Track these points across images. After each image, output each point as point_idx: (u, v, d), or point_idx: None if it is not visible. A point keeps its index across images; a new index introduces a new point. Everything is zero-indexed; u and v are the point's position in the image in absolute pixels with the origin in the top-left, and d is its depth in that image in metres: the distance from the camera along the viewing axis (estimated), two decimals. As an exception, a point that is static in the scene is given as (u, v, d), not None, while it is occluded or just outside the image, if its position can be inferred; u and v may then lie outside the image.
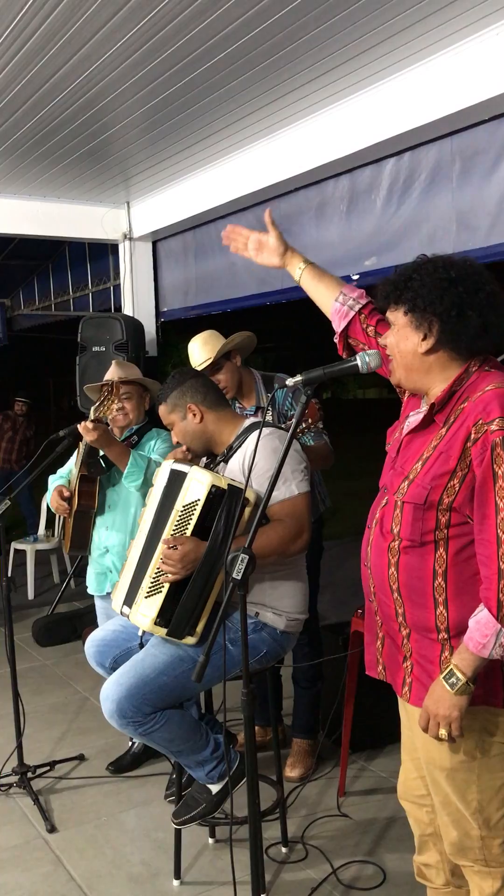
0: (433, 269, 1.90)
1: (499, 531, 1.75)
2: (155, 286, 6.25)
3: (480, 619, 1.78)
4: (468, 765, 1.93)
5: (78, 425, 3.23)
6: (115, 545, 3.48)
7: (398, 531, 1.91)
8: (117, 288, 6.57)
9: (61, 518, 3.76)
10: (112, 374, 3.55)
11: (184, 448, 2.82)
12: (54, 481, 3.59)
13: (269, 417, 3.28)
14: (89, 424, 3.18)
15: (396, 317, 1.94)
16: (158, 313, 6.25)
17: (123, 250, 6.13)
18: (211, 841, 3.06)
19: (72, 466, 3.63)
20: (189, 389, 2.76)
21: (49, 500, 3.55)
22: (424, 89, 3.65)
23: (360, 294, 2.29)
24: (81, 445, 3.51)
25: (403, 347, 1.94)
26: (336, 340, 2.33)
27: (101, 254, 6.72)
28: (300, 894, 2.72)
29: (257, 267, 5.23)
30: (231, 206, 5.14)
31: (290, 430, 2.06)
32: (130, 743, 3.71)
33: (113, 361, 3.70)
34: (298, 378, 2.02)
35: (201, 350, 3.31)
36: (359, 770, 3.52)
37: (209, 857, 2.97)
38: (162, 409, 2.80)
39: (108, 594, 3.52)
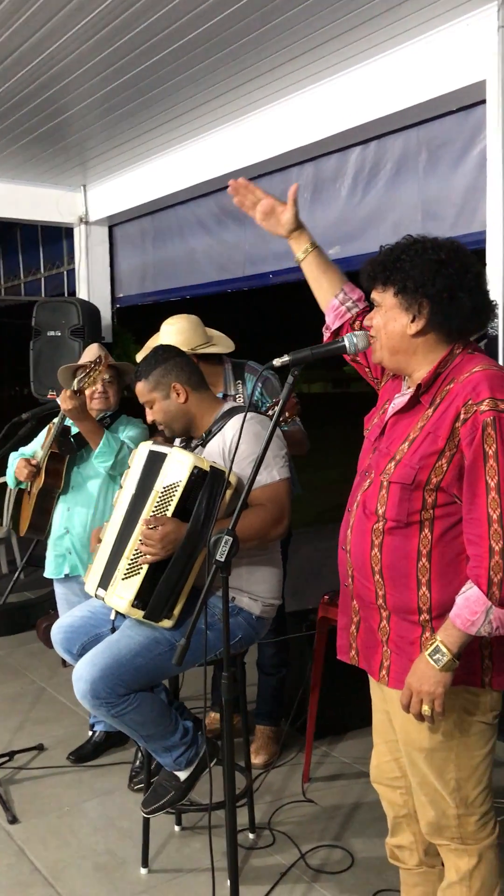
0: (423, 249, 1.89)
1: (489, 510, 1.76)
2: (111, 271, 6.16)
3: (470, 596, 1.79)
4: (447, 744, 1.95)
5: (58, 397, 3.17)
6: (76, 526, 3.42)
7: (383, 512, 1.91)
8: (71, 273, 6.47)
9: (11, 502, 3.66)
10: (97, 352, 3.46)
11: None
12: (16, 458, 3.53)
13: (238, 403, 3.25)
14: (69, 393, 3.11)
15: (384, 298, 1.93)
16: (114, 299, 6.17)
17: (79, 234, 6.04)
18: (177, 828, 3.03)
19: (37, 448, 3.55)
20: (174, 368, 2.71)
21: (10, 475, 3.49)
22: (392, 78, 3.67)
23: (359, 296, 2.27)
24: (54, 424, 3.44)
25: (391, 329, 1.93)
26: (325, 331, 2.32)
27: (55, 237, 6.59)
28: (269, 879, 2.72)
29: (218, 254, 5.25)
30: (192, 191, 5.11)
31: (275, 414, 2.04)
32: (91, 732, 3.65)
33: (95, 344, 3.60)
34: (286, 358, 2.00)
35: (178, 337, 3.23)
36: (322, 756, 3.53)
37: (176, 845, 2.95)
38: (142, 387, 2.72)
39: (67, 576, 3.46)
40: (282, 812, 3.11)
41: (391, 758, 2.15)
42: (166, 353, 2.76)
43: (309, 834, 2.97)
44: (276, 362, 2.01)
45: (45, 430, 3.60)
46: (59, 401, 3.20)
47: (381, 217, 4.07)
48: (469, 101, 3.51)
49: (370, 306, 2.25)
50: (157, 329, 3.35)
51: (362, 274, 2.00)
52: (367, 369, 2.21)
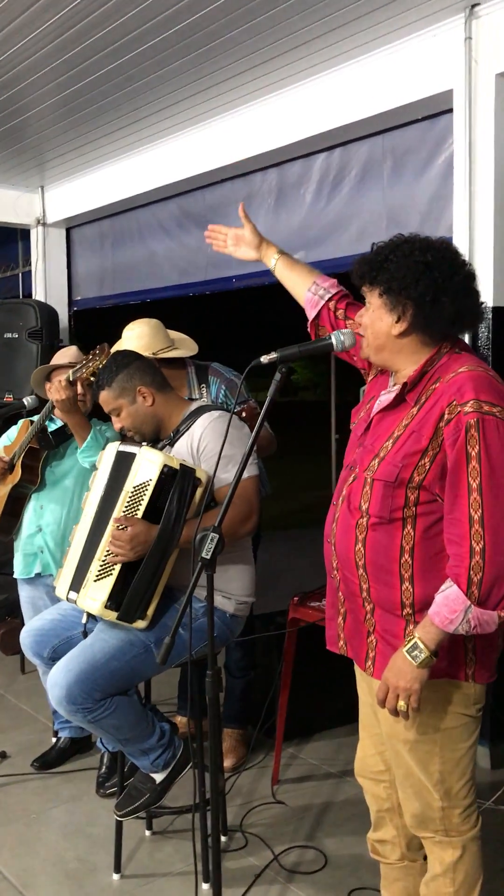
0: (410, 250, 1.90)
1: (470, 511, 1.78)
2: (68, 274, 6.10)
3: (449, 595, 1.80)
4: (431, 737, 1.97)
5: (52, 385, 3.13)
6: (49, 524, 3.36)
7: (367, 508, 1.93)
8: (26, 275, 6.38)
9: None
10: (76, 353, 3.41)
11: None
12: None
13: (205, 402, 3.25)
14: (64, 382, 3.06)
15: (371, 297, 1.96)
16: (71, 302, 6.11)
17: (36, 236, 5.97)
18: (148, 833, 3.00)
19: (6, 443, 3.48)
20: (137, 372, 2.70)
21: None
22: (359, 86, 3.72)
23: (331, 284, 2.31)
24: (30, 419, 3.41)
25: (377, 328, 1.95)
26: (308, 329, 2.35)
27: (9, 239, 6.50)
28: (244, 881, 2.71)
29: (179, 257, 5.24)
30: (153, 194, 5.09)
31: (262, 412, 2.04)
32: (55, 739, 3.60)
33: (72, 346, 3.54)
34: (273, 355, 2.00)
35: (138, 342, 3.21)
36: (289, 758, 3.53)
37: (148, 850, 2.92)
38: (106, 395, 2.69)
39: (38, 576, 3.40)
40: (253, 814, 3.11)
41: (375, 751, 2.17)
42: (126, 357, 2.74)
43: (281, 835, 2.97)
44: (264, 359, 2.01)
45: (14, 428, 3.53)
46: (49, 393, 3.18)
47: (345, 223, 4.11)
48: (435, 110, 3.58)
49: (342, 292, 2.29)
50: (115, 332, 3.34)
51: (352, 271, 2.01)
52: (355, 358, 2.23)
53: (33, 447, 3.32)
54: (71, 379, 3.11)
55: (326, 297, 2.28)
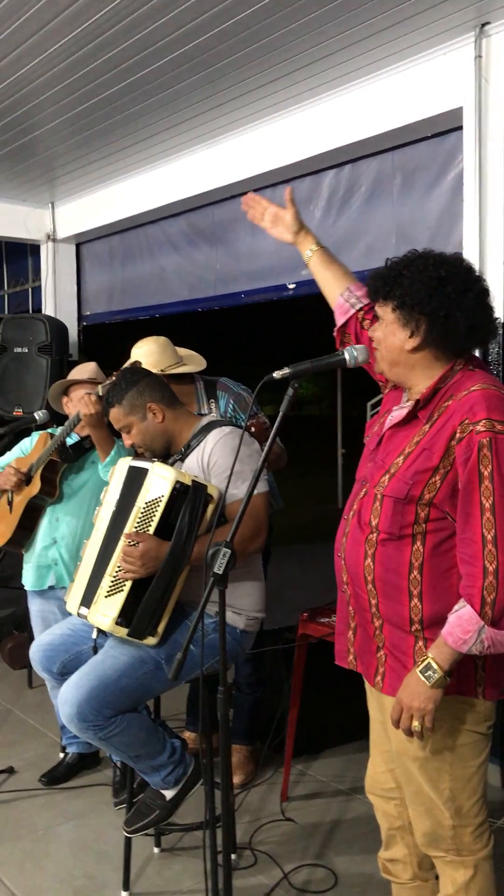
0: (423, 266, 1.91)
1: (483, 530, 1.78)
2: (77, 289, 6.13)
3: (462, 615, 1.80)
4: (441, 754, 1.96)
5: (81, 397, 3.13)
6: (64, 536, 3.35)
7: (376, 524, 1.93)
8: (35, 290, 6.42)
9: None
10: (94, 369, 3.43)
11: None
12: None
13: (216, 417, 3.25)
14: (94, 397, 3.05)
15: (385, 312, 1.96)
16: (81, 317, 6.13)
17: (46, 251, 6.00)
18: (156, 850, 2.98)
19: (17, 455, 3.48)
20: (146, 388, 2.70)
21: None
22: (368, 104, 3.74)
23: (364, 293, 2.28)
24: (47, 432, 3.42)
25: (390, 343, 1.95)
26: (335, 334, 2.34)
27: (19, 255, 6.54)
28: (254, 900, 2.69)
29: (188, 273, 5.27)
30: (162, 210, 5.12)
31: (274, 428, 2.05)
32: (62, 754, 3.58)
33: (92, 363, 3.53)
34: (286, 371, 2.01)
35: (146, 360, 3.22)
36: (298, 775, 3.51)
37: (156, 867, 2.90)
38: (117, 412, 2.70)
39: (50, 588, 3.39)
40: (262, 831, 3.09)
41: (386, 769, 2.16)
42: (134, 375, 2.75)
43: (290, 853, 2.95)
44: (277, 375, 2.01)
45: (28, 440, 3.52)
46: (67, 406, 3.26)
47: (355, 239, 4.13)
48: (445, 128, 3.60)
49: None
50: (124, 346, 3.35)
51: (367, 285, 2.02)
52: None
53: (53, 460, 3.31)
54: (101, 394, 3.10)
55: (357, 307, 2.27)
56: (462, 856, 2.02)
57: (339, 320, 2.31)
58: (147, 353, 3.23)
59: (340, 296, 2.31)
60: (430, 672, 1.82)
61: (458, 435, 1.82)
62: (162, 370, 3.17)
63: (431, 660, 1.82)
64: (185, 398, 3.27)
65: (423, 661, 1.83)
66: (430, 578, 1.89)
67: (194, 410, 3.30)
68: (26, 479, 3.34)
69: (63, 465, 3.35)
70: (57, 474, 3.35)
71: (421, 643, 1.91)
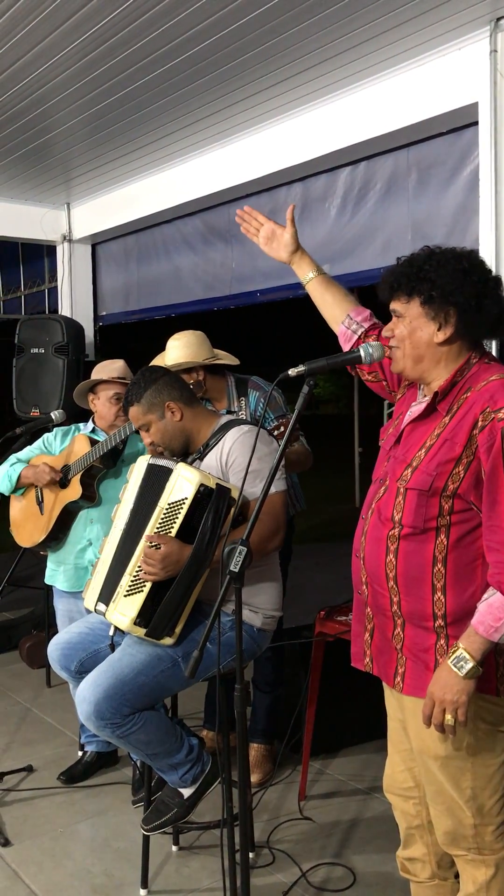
0: (445, 259, 1.93)
1: None
2: (93, 289, 6.15)
3: (493, 603, 1.80)
4: (462, 752, 1.95)
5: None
6: (100, 538, 3.29)
7: (399, 518, 1.92)
8: (52, 290, 6.43)
9: None
10: (121, 370, 3.42)
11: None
12: (13, 463, 3.43)
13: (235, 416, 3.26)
14: None
15: (408, 308, 1.95)
16: (97, 317, 6.15)
17: (62, 252, 6.02)
18: (175, 848, 2.99)
19: (37, 452, 3.46)
20: (165, 387, 2.70)
21: (14, 475, 3.38)
22: (383, 100, 3.72)
23: (365, 317, 2.31)
24: (84, 435, 3.38)
25: (417, 338, 1.95)
26: None
27: (36, 255, 6.56)
28: (272, 898, 2.69)
29: (204, 272, 5.27)
30: (177, 210, 5.12)
31: (290, 424, 2.05)
32: (81, 752, 3.59)
33: (120, 360, 3.51)
34: (301, 368, 2.00)
35: (186, 350, 3.24)
36: (316, 774, 3.51)
37: (174, 865, 2.90)
38: (136, 411, 2.70)
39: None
40: (280, 830, 3.09)
41: (404, 767, 2.15)
42: (153, 373, 2.74)
43: (308, 852, 2.95)
44: (292, 372, 2.01)
45: (51, 437, 3.51)
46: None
47: (370, 236, 4.11)
48: (460, 123, 3.57)
49: (377, 326, 2.28)
50: (141, 346, 3.36)
51: (381, 285, 2.01)
52: (384, 382, 2.22)
53: (96, 465, 3.29)
54: None
55: (360, 332, 2.28)
56: (483, 854, 2.01)
57: (345, 346, 2.32)
58: (186, 343, 3.25)
59: (342, 324, 2.32)
60: (462, 663, 1.82)
61: (480, 423, 1.83)
62: (202, 362, 3.19)
63: (463, 650, 1.82)
64: (217, 393, 3.29)
65: (454, 652, 1.83)
66: (453, 571, 1.89)
67: (224, 406, 3.31)
68: (62, 481, 3.33)
69: (103, 471, 3.34)
70: (94, 479, 3.33)
71: (443, 641, 1.90)
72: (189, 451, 2.75)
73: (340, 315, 2.33)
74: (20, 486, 3.42)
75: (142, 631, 2.45)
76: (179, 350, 3.18)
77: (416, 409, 2.00)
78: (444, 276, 1.89)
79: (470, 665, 1.80)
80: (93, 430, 3.43)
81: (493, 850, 2.01)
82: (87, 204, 5.78)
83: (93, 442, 3.32)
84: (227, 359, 3.34)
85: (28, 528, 3.42)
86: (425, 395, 2.02)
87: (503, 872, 2.01)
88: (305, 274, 2.39)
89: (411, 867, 2.23)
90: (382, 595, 1.98)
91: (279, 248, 2.41)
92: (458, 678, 1.81)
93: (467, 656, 1.81)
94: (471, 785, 1.97)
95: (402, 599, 1.94)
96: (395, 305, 1.98)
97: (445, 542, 1.89)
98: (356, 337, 2.28)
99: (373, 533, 1.99)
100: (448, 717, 1.84)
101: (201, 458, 2.70)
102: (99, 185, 5.45)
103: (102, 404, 3.38)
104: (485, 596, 1.82)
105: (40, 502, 3.40)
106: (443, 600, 1.89)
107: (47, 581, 3.51)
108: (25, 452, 3.48)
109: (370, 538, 2.00)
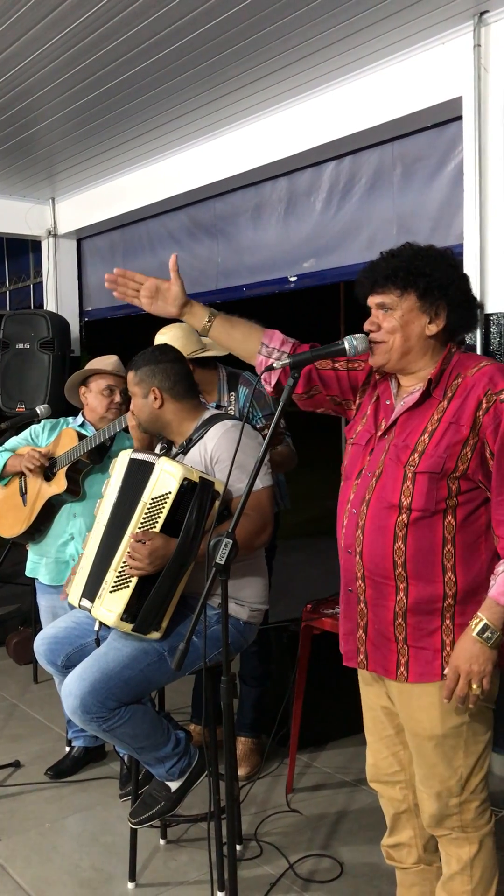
0: (434, 255, 2.01)
1: None
2: (79, 284, 6.13)
3: None
4: (458, 730, 2.00)
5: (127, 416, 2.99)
6: (82, 532, 3.32)
7: (409, 503, 1.95)
8: (37, 286, 6.42)
9: None
10: (114, 364, 3.41)
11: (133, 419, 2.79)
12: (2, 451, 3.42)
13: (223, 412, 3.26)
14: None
15: (400, 301, 1.99)
16: (82, 312, 6.13)
17: (47, 247, 6.00)
18: (162, 842, 2.99)
19: (22, 443, 3.45)
20: (160, 373, 2.70)
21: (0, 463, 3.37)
22: (367, 95, 3.73)
23: (281, 341, 2.24)
24: (85, 431, 3.36)
25: (410, 330, 2.00)
26: (264, 384, 2.28)
27: (21, 251, 6.54)
28: (259, 890, 2.69)
29: (190, 267, 5.26)
30: (163, 205, 5.11)
31: (275, 417, 2.06)
32: (68, 748, 3.59)
33: (114, 356, 3.48)
34: (286, 361, 2.01)
35: (174, 342, 3.23)
36: (303, 767, 3.52)
37: (162, 859, 2.91)
38: (130, 377, 2.74)
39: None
40: (267, 823, 3.09)
41: (388, 753, 2.18)
42: (163, 355, 2.75)
43: (296, 844, 2.96)
44: (277, 365, 2.02)
45: (39, 429, 3.50)
46: (126, 416, 3.00)
47: (355, 231, 4.12)
48: (445, 118, 3.58)
49: (295, 340, 2.25)
50: (127, 341, 3.35)
51: (366, 278, 2.03)
52: (327, 397, 2.21)
53: (83, 460, 3.28)
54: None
55: (283, 358, 2.16)
56: (467, 832, 2.06)
57: (272, 378, 2.24)
58: (172, 338, 3.24)
59: (259, 353, 2.25)
60: (488, 633, 1.87)
61: (484, 405, 1.90)
62: (187, 355, 3.18)
63: (487, 621, 1.87)
64: (208, 386, 3.28)
65: (477, 624, 1.88)
66: (461, 549, 1.95)
67: (214, 399, 3.31)
68: (49, 470, 3.31)
69: (89, 466, 3.33)
70: (80, 473, 3.32)
71: (448, 621, 1.95)
72: (171, 440, 2.76)
73: (254, 346, 2.25)
74: (5, 475, 3.41)
75: (129, 626, 2.45)
76: (176, 341, 3.18)
77: (410, 398, 2.02)
78: (438, 271, 1.97)
79: (497, 635, 1.87)
80: (81, 425, 3.42)
81: (475, 827, 2.05)
82: (72, 199, 5.76)
83: (81, 436, 3.31)
84: (215, 349, 3.33)
85: (9, 518, 3.41)
86: (412, 384, 2.05)
87: (486, 849, 2.06)
88: (202, 321, 2.27)
89: (396, 854, 2.25)
90: (386, 586, 1.99)
91: (167, 304, 2.26)
92: (486, 648, 1.87)
93: (493, 626, 1.87)
94: (462, 763, 2.01)
95: (409, 585, 1.96)
96: (383, 299, 2.00)
97: (454, 523, 1.94)
98: (279, 364, 2.07)
99: (374, 524, 1.99)
100: (475, 687, 1.88)
101: (185, 453, 2.70)
102: (84, 179, 5.44)
103: (94, 396, 3.37)
104: (500, 568, 1.89)
105: (24, 493, 3.38)
106: (454, 579, 1.94)
107: (29, 573, 3.50)
108: (11, 443, 3.46)
109: (371, 529, 2.00)
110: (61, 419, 3.51)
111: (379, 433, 2.06)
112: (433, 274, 1.97)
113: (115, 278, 2.28)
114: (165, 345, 2.85)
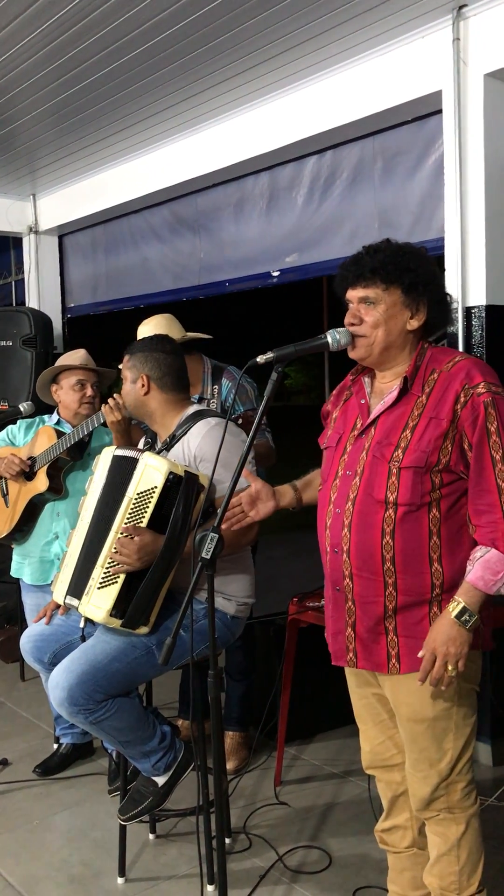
0: (416, 253, 2.04)
1: (498, 481, 1.92)
2: (61, 281, 6.11)
3: (489, 559, 1.91)
4: (448, 712, 2.03)
5: (104, 404, 3.00)
6: (66, 531, 3.31)
7: (395, 498, 1.97)
8: (18, 283, 6.38)
9: None
10: (82, 358, 3.39)
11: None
12: None
13: (212, 407, 3.27)
14: (113, 403, 2.95)
15: (384, 296, 2.01)
16: (65, 309, 6.11)
17: (28, 244, 5.97)
18: (151, 837, 3.00)
19: (7, 441, 3.43)
20: (152, 361, 2.71)
21: None
22: (348, 89, 3.74)
23: None
24: (50, 427, 3.35)
25: (392, 325, 2.03)
26: None
27: (2, 248, 6.50)
28: (249, 882, 2.71)
29: (172, 262, 5.26)
30: (145, 200, 5.10)
31: (259, 412, 2.06)
32: (56, 745, 3.59)
33: (82, 349, 3.46)
34: (270, 355, 2.02)
35: (157, 331, 3.23)
36: (291, 760, 3.53)
37: (152, 853, 2.91)
38: (125, 359, 2.76)
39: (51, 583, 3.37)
40: (256, 816, 3.11)
41: (385, 738, 2.21)
42: (159, 344, 2.76)
43: (285, 836, 2.97)
44: (260, 359, 2.03)
45: (16, 429, 3.48)
46: (105, 409, 2.98)
47: (337, 225, 4.13)
48: (424, 112, 3.60)
49: None
50: (110, 338, 3.35)
51: (347, 272, 2.04)
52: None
53: (63, 457, 3.26)
54: (120, 403, 2.94)
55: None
56: (454, 813, 2.10)
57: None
58: (154, 328, 3.24)
59: None
60: (466, 616, 1.91)
61: (462, 399, 1.94)
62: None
63: (465, 604, 1.91)
64: (192, 377, 3.25)
65: (456, 607, 1.91)
66: (447, 540, 1.99)
67: (198, 391, 3.31)
68: (27, 474, 3.31)
69: (69, 463, 3.32)
70: (60, 472, 3.30)
71: (436, 608, 1.98)
72: (151, 436, 2.77)
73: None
74: None
75: (118, 622, 2.45)
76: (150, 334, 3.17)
77: (389, 397, 2.05)
78: (422, 268, 2.02)
79: (474, 619, 1.91)
80: (58, 422, 3.41)
81: (462, 807, 2.09)
82: (53, 195, 5.74)
83: (58, 434, 3.30)
84: (197, 336, 3.34)
85: (7, 519, 3.39)
86: (388, 381, 2.07)
87: (473, 829, 2.09)
88: (289, 496, 2.32)
89: (390, 838, 2.28)
90: (375, 581, 2.01)
91: (266, 501, 2.27)
92: (462, 631, 1.91)
93: (471, 610, 1.90)
94: (452, 745, 2.05)
95: (398, 579, 1.98)
96: (367, 293, 2.02)
97: (438, 515, 1.98)
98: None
99: (361, 521, 2.01)
100: (450, 668, 1.91)
101: (168, 449, 2.70)
102: (65, 175, 5.41)
103: (66, 393, 3.36)
104: (478, 554, 1.92)
105: (5, 494, 3.37)
106: (440, 570, 1.98)
107: (13, 574, 3.49)
108: None
109: (358, 527, 2.01)
110: (37, 418, 3.50)
111: (356, 432, 2.08)
112: (417, 270, 2.00)
113: (228, 518, 2.23)
114: (166, 336, 2.85)
